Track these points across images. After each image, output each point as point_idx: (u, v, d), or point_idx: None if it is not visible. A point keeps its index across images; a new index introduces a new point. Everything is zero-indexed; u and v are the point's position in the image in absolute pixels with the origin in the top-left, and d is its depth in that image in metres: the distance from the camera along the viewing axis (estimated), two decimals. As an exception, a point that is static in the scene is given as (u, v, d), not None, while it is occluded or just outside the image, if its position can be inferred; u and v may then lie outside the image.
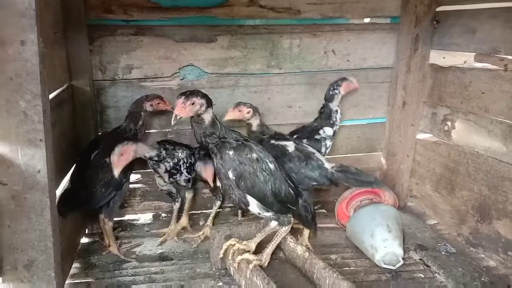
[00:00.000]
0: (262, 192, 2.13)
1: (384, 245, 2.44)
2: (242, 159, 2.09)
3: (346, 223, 2.77)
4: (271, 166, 2.15)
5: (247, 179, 2.10)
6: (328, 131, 2.81)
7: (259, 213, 2.21)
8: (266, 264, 2.28)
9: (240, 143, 2.13)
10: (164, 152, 2.54)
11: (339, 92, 2.82)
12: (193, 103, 2.01)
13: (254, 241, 2.31)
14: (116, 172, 2.27)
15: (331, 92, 2.83)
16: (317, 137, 2.80)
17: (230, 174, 2.11)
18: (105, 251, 2.61)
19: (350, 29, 3.06)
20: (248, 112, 2.58)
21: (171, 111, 2.36)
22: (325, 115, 2.85)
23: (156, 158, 2.51)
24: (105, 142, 2.53)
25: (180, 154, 2.60)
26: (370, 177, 2.49)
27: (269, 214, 2.21)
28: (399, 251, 2.45)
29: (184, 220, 2.87)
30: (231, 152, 2.09)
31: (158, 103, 2.67)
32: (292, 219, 2.28)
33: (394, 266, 2.44)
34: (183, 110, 2.01)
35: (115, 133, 2.62)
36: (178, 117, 2.02)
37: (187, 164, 2.63)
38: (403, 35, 3.01)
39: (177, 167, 2.60)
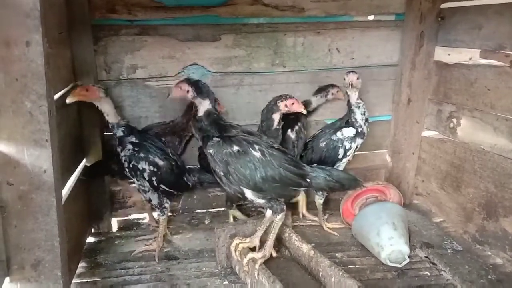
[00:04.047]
0: (252, 182, 2.11)
1: (390, 243, 2.44)
2: (222, 155, 2.10)
3: (352, 221, 2.77)
4: (257, 154, 2.12)
5: (233, 173, 2.11)
6: (347, 132, 2.71)
7: (252, 200, 2.21)
8: (273, 254, 2.30)
9: (219, 139, 2.14)
10: (121, 133, 2.43)
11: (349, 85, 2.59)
12: (180, 88, 2.24)
13: (257, 236, 2.31)
14: (68, 100, 2.26)
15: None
16: (333, 137, 2.72)
17: (218, 171, 2.17)
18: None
19: (355, 26, 3.05)
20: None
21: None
22: (346, 115, 2.74)
23: (112, 129, 2.43)
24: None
25: (128, 146, 2.43)
26: None
27: (262, 201, 2.20)
28: (405, 249, 2.44)
29: (154, 245, 2.62)
30: (211, 150, 2.13)
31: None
32: (284, 206, 2.24)
33: (400, 264, 2.44)
34: (175, 91, 2.28)
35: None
36: (171, 95, 2.32)
37: (130, 164, 2.43)
38: (408, 32, 3.00)
39: (120, 157, 2.46)
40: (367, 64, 3.13)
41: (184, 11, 2.78)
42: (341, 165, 2.79)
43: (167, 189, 2.56)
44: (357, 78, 2.59)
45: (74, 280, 2.32)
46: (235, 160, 2.10)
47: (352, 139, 2.71)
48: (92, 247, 2.70)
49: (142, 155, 2.43)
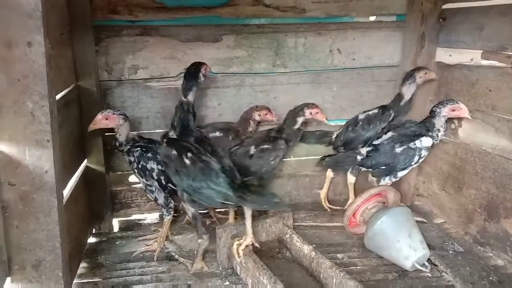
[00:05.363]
0: (181, 186, 2.26)
1: (422, 247, 2.39)
2: (162, 157, 2.32)
3: (354, 227, 2.73)
4: (187, 161, 2.19)
5: (168, 173, 2.32)
6: (426, 141, 2.70)
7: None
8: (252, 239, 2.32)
9: (167, 141, 2.30)
10: (128, 146, 2.54)
11: (440, 112, 2.65)
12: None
13: (248, 231, 2.30)
14: (90, 129, 2.46)
15: (433, 108, 2.68)
16: (411, 145, 2.71)
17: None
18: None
19: (356, 27, 3.05)
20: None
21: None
22: (425, 126, 2.73)
23: (119, 146, 2.55)
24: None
25: (135, 153, 2.52)
26: None
27: None
28: (428, 254, 2.41)
29: (155, 245, 2.64)
30: (160, 150, 2.37)
31: (266, 114, 2.80)
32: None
33: (426, 268, 2.39)
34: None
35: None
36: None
37: (139, 165, 2.51)
38: (409, 33, 3.00)
39: (132, 165, 2.56)
40: (368, 65, 3.13)
41: (185, 12, 2.78)
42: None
43: (175, 188, 2.57)
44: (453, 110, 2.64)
45: (75, 281, 2.32)
46: (170, 164, 2.24)
47: (429, 148, 2.72)
48: (93, 248, 2.70)
49: (150, 155, 2.51)
